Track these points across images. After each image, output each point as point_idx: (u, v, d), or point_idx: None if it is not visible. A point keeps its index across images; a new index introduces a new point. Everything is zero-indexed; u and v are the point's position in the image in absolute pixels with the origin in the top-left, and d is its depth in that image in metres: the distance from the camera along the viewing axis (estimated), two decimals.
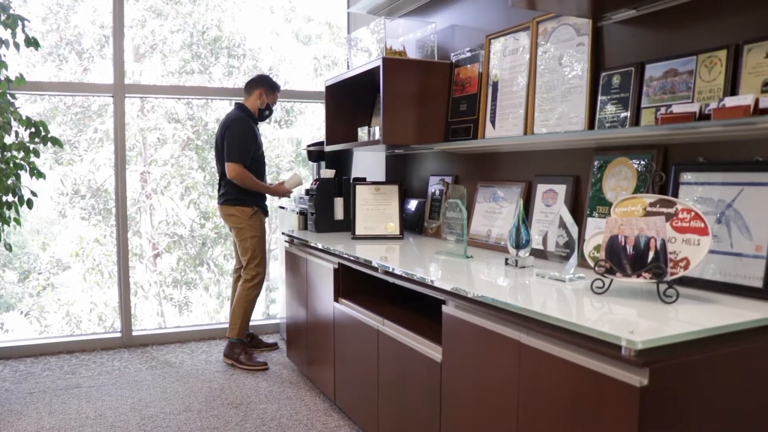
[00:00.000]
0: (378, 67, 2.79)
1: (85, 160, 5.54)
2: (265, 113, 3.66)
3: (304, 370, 3.30)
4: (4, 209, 3.06)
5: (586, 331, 1.30)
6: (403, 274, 2.09)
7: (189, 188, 5.79)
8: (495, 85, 2.59)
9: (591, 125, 2.10)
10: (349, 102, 3.52)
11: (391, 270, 2.18)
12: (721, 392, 1.30)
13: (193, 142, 5.79)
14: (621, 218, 1.60)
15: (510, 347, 1.56)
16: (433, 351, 1.96)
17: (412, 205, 3.29)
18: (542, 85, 2.32)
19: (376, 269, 2.29)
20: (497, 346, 1.61)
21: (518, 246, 2.10)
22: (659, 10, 1.89)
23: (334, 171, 3.48)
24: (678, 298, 1.49)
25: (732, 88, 1.66)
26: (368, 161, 3.89)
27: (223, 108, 3.68)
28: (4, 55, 3.08)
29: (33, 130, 3.16)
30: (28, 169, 3.15)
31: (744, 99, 1.50)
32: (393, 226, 3.01)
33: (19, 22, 3.05)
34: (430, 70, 2.88)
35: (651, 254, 1.51)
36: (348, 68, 3.49)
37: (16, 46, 3.08)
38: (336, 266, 2.72)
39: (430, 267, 2.18)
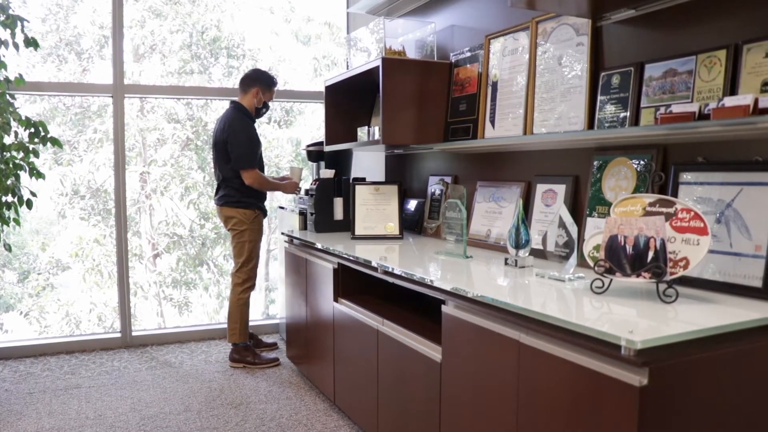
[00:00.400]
0: (377, 67, 2.79)
1: (85, 161, 5.54)
2: (262, 111, 3.64)
3: (304, 371, 3.30)
4: (4, 209, 3.06)
5: (585, 330, 1.30)
6: (403, 274, 2.09)
7: (189, 188, 5.79)
8: (494, 85, 2.59)
9: (590, 125, 2.10)
10: (348, 102, 3.52)
11: (390, 270, 2.18)
12: (721, 392, 1.30)
13: (193, 142, 5.79)
14: (620, 218, 1.60)
15: (510, 347, 1.56)
16: (432, 351, 1.96)
17: (412, 205, 3.29)
18: (542, 85, 2.32)
19: (375, 269, 2.29)
20: (497, 345, 1.61)
21: (518, 246, 2.10)
22: (658, 9, 1.89)
23: (333, 171, 3.48)
24: (677, 298, 1.49)
25: (731, 88, 1.66)
26: (368, 161, 3.89)
27: (223, 108, 3.66)
28: (4, 56, 3.08)
29: (32, 130, 3.16)
30: (27, 169, 3.15)
31: (743, 99, 1.50)
32: (392, 226, 3.01)
33: (19, 23, 3.05)
34: (430, 70, 2.88)
35: (650, 254, 1.51)
36: (347, 68, 3.49)
37: (16, 46, 3.08)
38: (335, 266, 2.72)
39: (430, 267, 2.18)
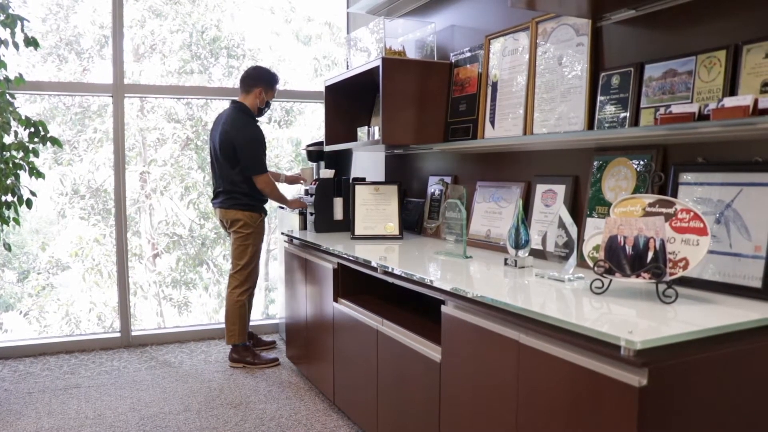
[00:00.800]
0: (377, 67, 2.79)
1: (85, 160, 5.54)
2: (264, 110, 3.61)
3: (304, 370, 3.30)
4: (4, 209, 3.06)
5: (585, 331, 1.30)
6: (403, 274, 2.09)
7: (188, 188, 5.79)
8: (494, 85, 2.59)
9: (590, 125, 2.10)
10: (348, 102, 3.52)
11: (390, 270, 2.18)
12: (720, 392, 1.30)
13: (193, 141, 5.79)
14: (620, 218, 1.60)
15: (509, 347, 1.56)
16: (432, 351, 1.96)
17: (412, 205, 3.29)
18: (542, 85, 2.33)
19: (375, 269, 2.29)
20: (496, 346, 1.61)
21: (517, 246, 2.10)
22: (658, 10, 1.89)
23: (333, 171, 3.48)
24: (677, 299, 1.49)
25: (731, 89, 1.66)
26: (368, 161, 3.89)
27: (223, 108, 3.65)
28: (4, 55, 3.08)
29: (32, 129, 3.16)
30: (27, 168, 3.15)
31: (743, 99, 1.50)
32: (392, 226, 3.01)
33: (19, 22, 3.05)
34: (430, 70, 2.88)
35: (650, 254, 1.51)
36: (347, 68, 3.49)
37: (16, 46, 3.08)
38: (335, 266, 2.72)
39: (430, 267, 2.18)
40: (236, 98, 3.56)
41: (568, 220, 1.83)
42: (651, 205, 1.63)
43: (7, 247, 3.30)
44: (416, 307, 2.50)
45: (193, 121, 5.76)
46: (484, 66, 2.66)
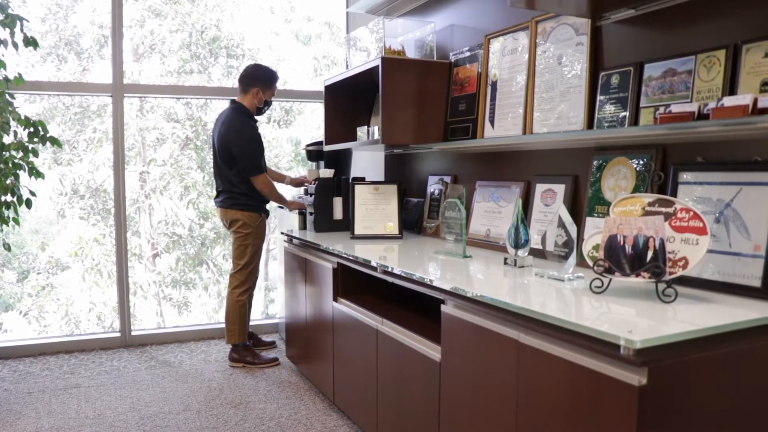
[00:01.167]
0: (377, 66, 2.79)
1: (84, 160, 5.54)
2: (263, 109, 3.59)
3: (303, 370, 3.30)
4: (3, 209, 3.06)
5: (584, 330, 1.30)
6: (402, 274, 2.09)
7: (188, 188, 5.79)
8: (494, 85, 2.59)
9: (590, 125, 2.10)
10: (348, 102, 3.52)
11: (390, 269, 2.18)
12: (720, 392, 1.31)
13: (192, 141, 5.78)
14: (620, 218, 1.60)
15: (509, 347, 1.56)
16: (432, 350, 1.96)
17: (411, 204, 3.29)
18: (541, 84, 2.33)
19: (375, 269, 2.29)
20: (496, 345, 1.61)
21: (517, 245, 2.10)
22: (658, 9, 1.89)
23: (333, 171, 3.48)
24: (677, 298, 1.49)
25: (731, 88, 1.66)
26: (367, 161, 3.89)
27: (222, 108, 3.65)
28: (3, 55, 3.08)
29: (32, 129, 3.16)
30: (26, 168, 3.15)
31: (743, 99, 1.50)
32: (392, 226, 3.01)
33: (18, 22, 3.05)
34: (429, 69, 2.88)
35: (650, 254, 1.51)
36: (347, 68, 3.49)
37: (15, 45, 3.07)
38: (335, 266, 2.72)
39: (429, 266, 2.18)
40: (235, 98, 3.56)
41: (567, 219, 1.83)
42: (650, 204, 1.63)
43: (7, 247, 3.30)
44: (416, 306, 2.50)
45: (193, 121, 5.76)
46: (484, 65, 2.66)
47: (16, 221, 3.18)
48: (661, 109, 1.81)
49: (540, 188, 2.37)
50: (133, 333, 4.00)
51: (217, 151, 3.49)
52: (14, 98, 3.16)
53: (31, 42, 3.12)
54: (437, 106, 2.89)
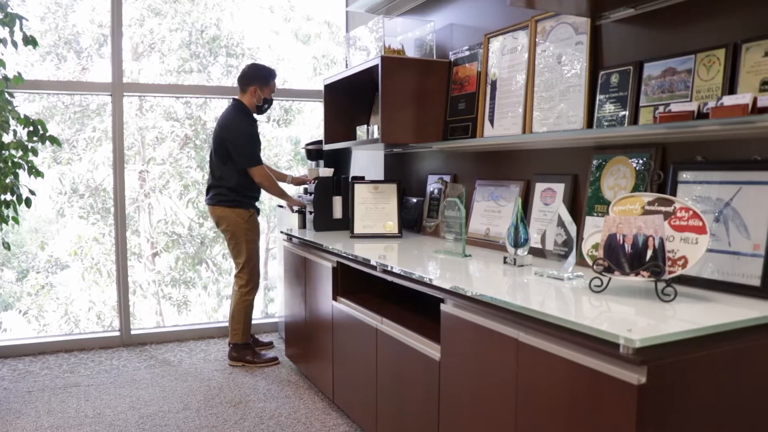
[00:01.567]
0: (377, 65, 2.79)
1: (84, 159, 5.53)
2: (263, 107, 3.58)
3: (303, 369, 3.30)
4: (3, 208, 3.06)
5: (584, 329, 1.30)
6: (402, 273, 2.09)
7: (187, 187, 5.79)
8: (493, 84, 2.59)
9: (589, 124, 2.10)
10: (347, 101, 3.52)
11: (389, 268, 2.18)
12: (719, 390, 1.31)
13: (192, 140, 5.78)
14: (619, 217, 1.60)
15: (508, 346, 1.56)
16: (431, 349, 1.96)
17: (411, 203, 3.29)
18: (541, 83, 2.33)
19: (374, 268, 2.29)
20: (495, 344, 1.61)
21: (516, 245, 2.10)
22: (658, 9, 1.89)
23: (332, 170, 3.48)
24: (676, 297, 1.49)
25: (730, 87, 1.66)
26: (367, 160, 3.89)
27: (222, 107, 3.65)
28: (2, 54, 3.08)
29: (31, 128, 3.16)
30: (26, 167, 3.15)
31: (742, 98, 1.50)
32: (391, 225, 3.01)
33: (18, 21, 3.05)
34: (429, 68, 2.88)
35: (649, 253, 1.51)
36: (347, 67, 3.49)
37: (14, 44, 3.07)
38: (334, 265, 2.72)
39: (429, 265, 2.18)
40: (236, 96, 3.57)
41: (567, 218, 1.83)
42: (650, 203, 1.63)
43: (7, 246, 3.30)
44: (415, 305, 2.50)
45: (192, 120, 5.76)
46: (483, 65, 2.66)
47: (16, 220, 3.18)
48: (661, 108, 1.81)
49: (539, 187, 2.37)
50: (132, 332, 4.00)
51: (213, 146, 3.51)
52: (14, 97, 3.16)
53: (30, 41, 3.12)
54: (437, 105, 2.89)
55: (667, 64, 1.85)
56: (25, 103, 5.13)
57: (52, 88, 4.44)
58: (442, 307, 1.87)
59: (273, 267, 5.76)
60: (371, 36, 3.12)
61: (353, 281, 2.71)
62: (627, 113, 1.96)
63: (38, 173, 3.20)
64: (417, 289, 2.02)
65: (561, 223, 1.84)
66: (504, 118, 2.52)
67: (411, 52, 3.03)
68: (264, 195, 3.70)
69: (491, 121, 2.59)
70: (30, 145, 3.15)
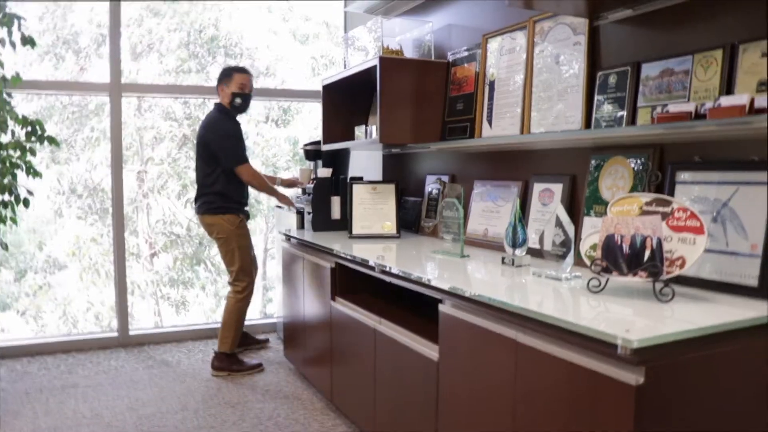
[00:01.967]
0: (375, 66, 2.79)
1: (82, 159, 5.53)
2: (235, 101, 3.43)
3: (301, 369, 3.30)
4: (1, 208, 3.06)
5: (582, 329, 1.30)
6: (400, 273, 2.09)
7: (186, 187, 5.78)
8: (492, 84, 2.60)
9: (587, 124, 2.10)
10: (346, 101, 3.52)
11: (387, 269, 2.18)
12: (717, 391, 1.31)
13: (190, 140, 5.78)
14: (617, 217, 1.60)
15: (506, 346, 1.56)
16: (429, 350, 1.96)
17: (409, 204, 3.29)
18: (539, 84, 2.33)
19: (373, 268, 2.29)
20: (494, 344, 1.61)
21: (515, 245, 2.10)
22: (655, 9, 1.89)
23: (330, 170, 3.47)
24: (674, 297, 1.50)
25: (727, 88, 1.67)
26: (365, 160, 3.89)
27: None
28: (0, 54, 3.07)
29: (29, 128, 3.15)
30: (24, 167, 3.14)
31: (739, 98, 1.51)
32: (390, 225, 3.01)
33: (16, 21, 3.04)
34: (427, 69, 2.88)
35: (647, 253, 1.51)
36: (345, 67, 3.49)
37: (12, 44, 3.07)
38: (333, 265, 2.72)
39: (427, 266, 2.18)
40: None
41: (565, 218, 1.84)
42: (648, 204, 1.63)
43: (4, 247, 3.30)
44: (414, 306, 2.50)
45: (191, 120, 5.76)
46: (482, 65, 2.66)
47: (14, 220, 3.18)
48: (659, 109, 1.81)
49: (538, 188, 2.37)
50: (130, 332, 4.00)
51: (197, 150, 3.47)
52: (12, 97, 3.15)
53: (28, 41, 3.11)
54: (435, 105, 2.89)
55: (665, 65, 1.85)
56: (23, 103, 5.12)
57: (51, 88, 4.44)
58: (441, 307, 1.87)
59: (271, 267, 5.75)
60: (369, 36, 3.12)
61: (352, 282, 2.71)
62: (625, 114, 1.96)
63: (36, 173, 3.19)
64: (415, 289, 2.02)
65: (559, 224, 1.84)
66: (502, 118, 2.52)
67: (409, 53, 3.03)
68: (264, 195, 3.68)
69: (489, 122, 2.59)
70: (28, 145, 3.15)
